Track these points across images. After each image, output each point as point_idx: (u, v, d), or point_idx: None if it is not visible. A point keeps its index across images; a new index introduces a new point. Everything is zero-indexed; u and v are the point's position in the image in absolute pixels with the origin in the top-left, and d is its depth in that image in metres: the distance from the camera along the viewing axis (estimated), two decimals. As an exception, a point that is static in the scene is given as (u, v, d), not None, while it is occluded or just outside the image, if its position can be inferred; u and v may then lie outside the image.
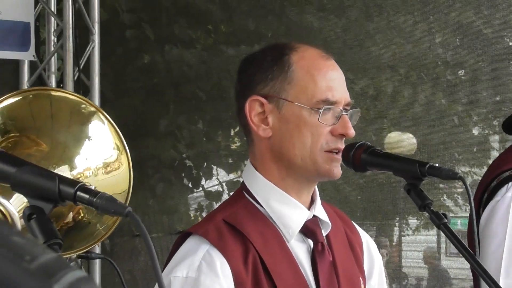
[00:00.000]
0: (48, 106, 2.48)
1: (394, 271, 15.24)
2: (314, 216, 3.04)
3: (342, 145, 2.98)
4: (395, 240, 15.62)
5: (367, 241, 3.26)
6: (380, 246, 14.29)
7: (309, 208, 3.05)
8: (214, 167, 11.53)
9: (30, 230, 1.97)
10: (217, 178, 11.64)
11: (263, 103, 2.99)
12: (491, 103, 12.38)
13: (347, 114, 2.99)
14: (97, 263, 6.74)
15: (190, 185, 11.17)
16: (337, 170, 2.98)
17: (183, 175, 10.98)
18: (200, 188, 11.35)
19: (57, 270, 0.89)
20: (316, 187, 3.10)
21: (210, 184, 11.53)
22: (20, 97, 2.29)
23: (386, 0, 10.64)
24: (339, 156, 2.97)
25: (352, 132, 2.99)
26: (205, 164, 11.27)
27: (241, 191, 3.08)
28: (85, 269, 6.71)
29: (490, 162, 4.88)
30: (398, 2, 10.75)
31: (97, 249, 6.61)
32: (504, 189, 4.16)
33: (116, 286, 5.80)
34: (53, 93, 3.01)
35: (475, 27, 11.40)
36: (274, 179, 3.02)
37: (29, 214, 1.98)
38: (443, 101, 11.75)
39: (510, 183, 4.16)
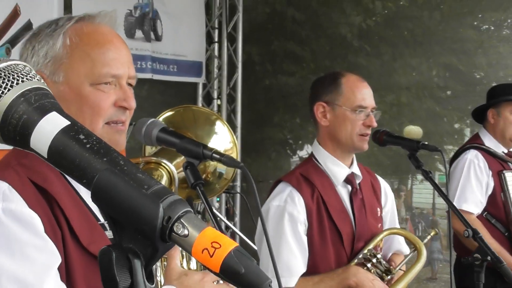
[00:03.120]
0: (192, 115, 2.48)
1: (408, 205, 15.10)
2: (352, 172, 2.97)
3: (369, 132, 2.91)
4: (408, 187, 15.46)
5: (384, 186, 3.17)
6: (400, 190, 14.20)
7: (349, 167, 2.97)
8: (305, 144, 11.54)
9: (186, 175, 1.96)
10: (306, 150, 11.64)
11: (324, 106, 2.94)
12: (465, 110, 12.26)
13: (373, 114, 2.91)
14: (238, 197, 6.66)
15: (290, 153, 11.16)
16: (366, 145, 2.92)
17: (287, 148, 10.98)
18: (297, 156, 11.34)
19: (163, 194, 0.85)
20: (354, 155, 3.02)
21: (302, 153, 11.51)
22: (174, 111, 2.30)
23: (404, 49, 10.50)
24: (367, 138, 2.91)
25: (375, 124, 2.92)
26: (300, 142, 11.24)
27: (311, 157, 3.03)
28: (232, 201, 6.72)
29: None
30: (412, 51, 10.58)
31: (238, 189, 6.57)
32: (463, 153, 4.26)
33: (248, 212, 5.79)
34: (193, 108, 3.04)
35: (456, 66, 11.24)
36: (329, 150, 2.96)
37: (185, 166, 1.95)
38: (437, 109, 11.66)
39: (467, 151, 4.26)
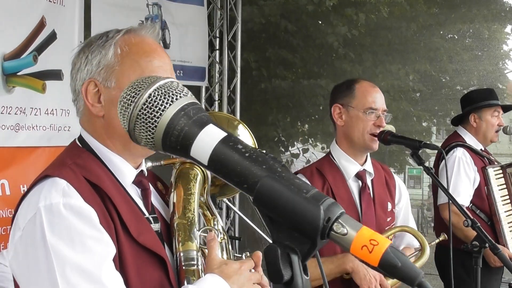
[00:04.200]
0: (213, 119, 2.40)
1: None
2: (364, 169, 2.95)
3: (379, 131, 2.88)
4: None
5: (399, 184, 3.14)
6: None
7: (362, 165, 2.96)
8: (295, 142, 11.53)
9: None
10: (297, 147, 11.64)
11: (340, 108, 2.94)
12: (432, 110, 12.41)
13: (383, 116, 2.90)
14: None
15: (283, 150, 11.15)
16: (375, 145, 2.90)
17: (279, 144, 10.98)
18: (288, 151, 11.33)
19: (321, 198, 0.86)
20: (368, 154, 3.00)
21: (293, 150, 11.54)
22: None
23: (385, 57, 10.55)
24: (376, 138, 2.88)
25: (384, 124, 2.89)
26: (291, 139, 11.24)
27: (328, 154, 3.03)
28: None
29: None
30: (391, 59, 10.61)
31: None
32: (452, 151, 4.20)
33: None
34: (215, 113, 2.98)
35: (429, 72, 11.29)
36: (344, 148, 2.95)
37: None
38: (411, 109, 11.68)
39: (454, 149, 4.20)
